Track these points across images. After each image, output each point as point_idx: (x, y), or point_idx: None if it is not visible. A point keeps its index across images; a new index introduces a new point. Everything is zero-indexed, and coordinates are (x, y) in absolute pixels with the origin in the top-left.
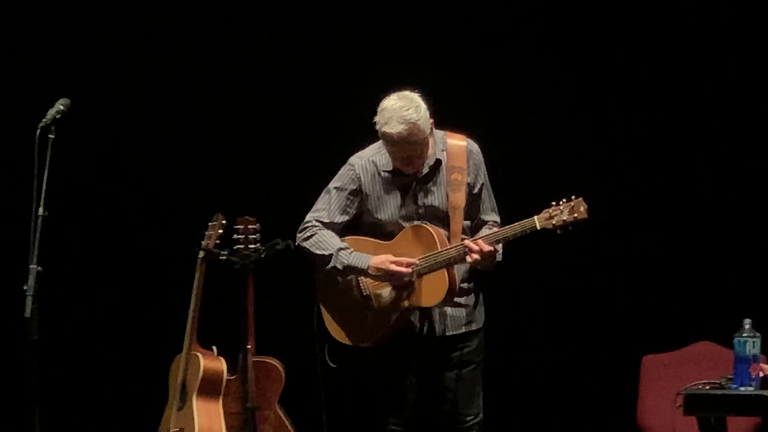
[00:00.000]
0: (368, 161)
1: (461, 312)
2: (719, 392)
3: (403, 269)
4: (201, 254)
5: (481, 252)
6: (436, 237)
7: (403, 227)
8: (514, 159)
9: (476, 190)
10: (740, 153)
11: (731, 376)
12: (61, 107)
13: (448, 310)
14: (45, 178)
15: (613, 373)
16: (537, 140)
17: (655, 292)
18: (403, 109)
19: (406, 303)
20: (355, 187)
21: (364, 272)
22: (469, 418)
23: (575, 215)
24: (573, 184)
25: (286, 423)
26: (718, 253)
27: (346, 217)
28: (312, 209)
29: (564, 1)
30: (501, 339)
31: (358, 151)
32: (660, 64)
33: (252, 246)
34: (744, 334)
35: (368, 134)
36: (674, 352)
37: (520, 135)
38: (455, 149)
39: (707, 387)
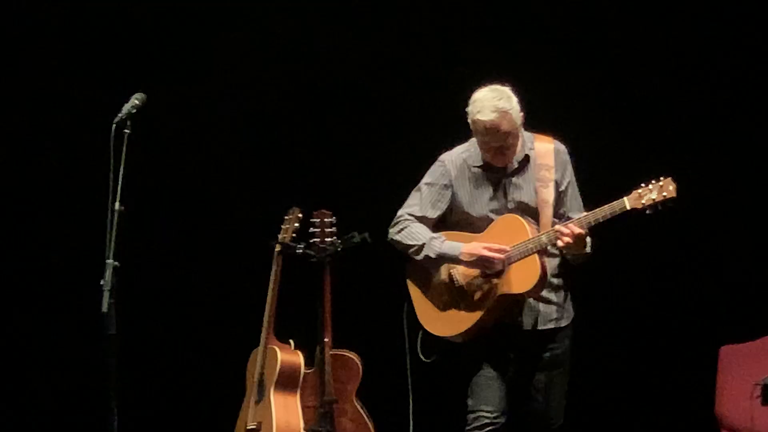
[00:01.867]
0: (458, 157)
1: (551, 308)
2: None
3: (496, 254)
4: (277, 248)
5: (572, 235)
6: (526, 226)
7: (493, 221)
8: (603, 159)
9: (563, 188)
10: None
11: None
12: (137, 102)
13: (540, 305)
14: (121, 173)
15: (692, 363)
16: (622, 137)
17: (734, 281)
18: (495, 98)
19: (498, 291)
20: (446, 182)
21: (456, 259)
22: (554, 422)
23: (664, 194)
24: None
25: (364, 416)
26: None
27: (437, 212)
28: (403, 206)
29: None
30: (585, 331)
31: (436, 148)
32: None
33: (328, 239)
34: None
35: (448, 134)
36: (753, 342)
37: (605, 134)
38: (543, 149)
39: None
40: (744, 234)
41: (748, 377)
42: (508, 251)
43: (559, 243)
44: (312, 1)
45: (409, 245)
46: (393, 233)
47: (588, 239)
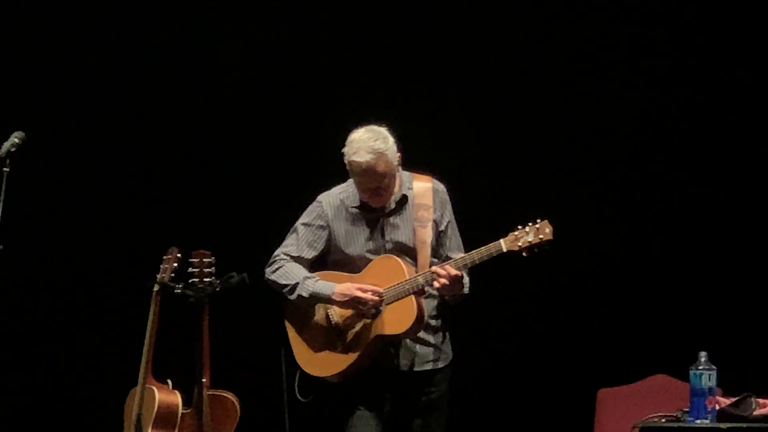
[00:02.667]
0: (336, 197)
1: (428, 350)
2: (675, 425)
3: (369, 296)
4: (156, 287)
5: (448, 276)
6: (403, 266)
7: (371, 262)
8: (479, 196)
9: (442, 227)
10: (696, 189)
11: (687, 409)
12: (16, 140)
13: (416, 347)
14: (0, 211)
15: (570, 406)
16: (499, 174)
17: (611, 324)
18: (371, 139)
19: (374, 332)
20: (322, 223)
21: (329, 299)
22: None
23: (541, 236)
24: (535, 215)
25: None
26: (674, 286)
27: (314, 252)
28: (281, 246)
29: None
30: (464, 373)
31: (314, 188)
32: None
33: (207, 279)
34: (700, 367)
35: (327, 174)
36: (630, 385)
37: (481, 171)
38: (421, 188)
39: (663, 420)
40: (621, 276)
41: (626, 420)
42: (381, 292)
43: (435, 284)
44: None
45: (283, 284)
46: (269, 273)
47: (465, 279)
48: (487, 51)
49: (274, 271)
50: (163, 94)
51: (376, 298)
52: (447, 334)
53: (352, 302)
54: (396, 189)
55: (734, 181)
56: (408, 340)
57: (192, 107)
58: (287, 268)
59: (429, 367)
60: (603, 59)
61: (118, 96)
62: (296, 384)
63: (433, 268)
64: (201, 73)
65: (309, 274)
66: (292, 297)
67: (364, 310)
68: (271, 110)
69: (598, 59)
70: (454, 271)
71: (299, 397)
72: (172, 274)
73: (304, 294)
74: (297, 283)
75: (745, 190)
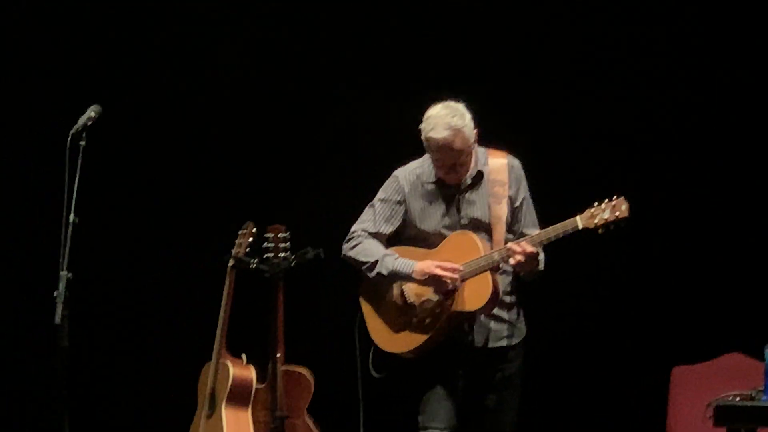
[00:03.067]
0: (412, 173)
1: (502, 326)
2: (750, 404)
3: (449, 273)
4: (231, 262)
5: (524, 253)
6: (479, 243)
7: (446, 238)
8: (555, 172)
9: (517, 204)
10: None
11: (762, 388)
12: (93, 114)
13: (491, 323)
14: (76, 185)
15: (644, 384)
16: (578, 153)
17: (687, 302)
18: (448, 116)
19: (450, 309)
20: (399, 198)
21: (409, 277)
22: None
23: (617, 214)
24: (612, 192)
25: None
26: (750, 264)
27: (391, 228)
28: (357, 222)
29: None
30: (537, 350)
31: (390, 164)
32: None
33: (282, 254)
34: None
35: (403, 150)
36: (705, 363)
37: (561, 149)
38: (496, 164)
39: (738, 399)
40: (700, 254)
41: (701, 398)
42: (460, 270)
43: (511, 261)
44: (265, 17)
45: (362, 262)
46: (347, 249)
47: (541, 256)
48: (563, 23)
49: (353, 248)
50: (239, 67)
51: (456, 275)
52: (521, 310)
53: (432, 280)
54: (472, 165)
55: None
56: (482, 317)
57: (267, 81)
58: (366, 245)
59: (503, 343)
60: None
61: (193, 68)
62: (370, 360)
63: (509, 244)
64: (280, 43)
65: (388, 252)
66: (372, 274)
67: (443, 287)
68: (348, 84)
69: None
70: (530, 248)
71: (373, 373)
72: (247, 249)
73: (384, 272)
74: (377, 261)
75: None
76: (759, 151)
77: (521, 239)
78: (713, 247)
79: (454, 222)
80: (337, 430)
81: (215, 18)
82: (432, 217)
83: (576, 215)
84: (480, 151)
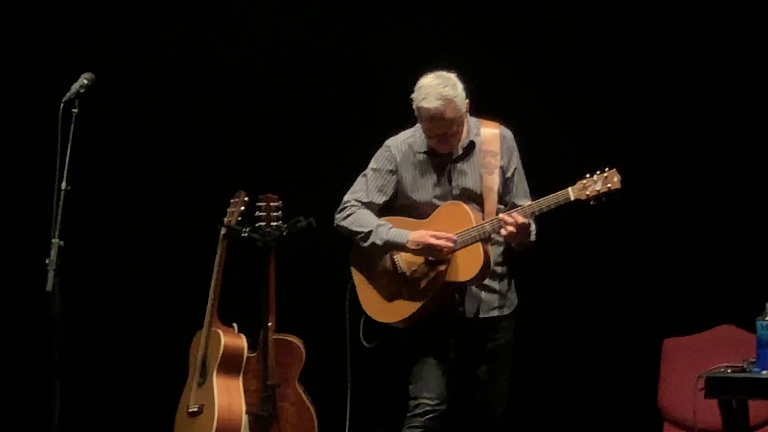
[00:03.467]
0: (403, 142)
1: (493, 297)
2: (741, 375)
3: (444, 243)
4: (223, 231)
5: (515, 224)
6: (471, 213)
7: (437, 208)
8: (547, 143)
9: (509, 174)
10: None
11: (753, 360)
12: (85, 81)
13: (482, 294)
14: (68, 152)
15: (635, 356)
16: (570, 125)
17: (678, 275)
18: (440, 86)
19: (441, 279)
20: (391, 168)
21: (403, 247)
22: (497, 411)
23: (609, 185)
24: (604, 164)
25: (306, 400)
26: (741, 236)
27: (383, 197)
28: (349, 191)
29: None
30: (528, 320)
31: (382, 133)
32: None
33: (274, 223)
34: (767, 318)
35: (395, 120)
36: (696, 335)
37: (553, 121)
38: (488, 135)
39: (729, 370)
40: (691, 227)
41: (692, 370)
42: (455, 239)
43: (503, 232)
44: None
45: (356, 231)
46: (339, 219)
47: (532, 227)
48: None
49: (346, 218)
50: (232, 35)
51: (450, 244)
52: (512, 281)
53: (426, 249)
54: (464, 135)
55: None
56: (473, 287)
57: (260, 50)
58: (359, 215)
59: (494, 314)
60: None
61: (187, 35)
62: (361, 330)
63: (501, 215)
64: (272, 16)
65: (382, 222)
66: (365, 244)
67: (437, 257)
68: (338, 54)
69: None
70: (521, 219)
71: (364, 343)
72: (239, 218)
73: (378, 242)
74: (371, 231)
75: None
76: (753, 122)
77: (513, 210)
78: (706, 219)
79: (446, 192)
80: (328, 399)
81: None
82: (423, 187)
83: (568, 187)
84: (472, 122)
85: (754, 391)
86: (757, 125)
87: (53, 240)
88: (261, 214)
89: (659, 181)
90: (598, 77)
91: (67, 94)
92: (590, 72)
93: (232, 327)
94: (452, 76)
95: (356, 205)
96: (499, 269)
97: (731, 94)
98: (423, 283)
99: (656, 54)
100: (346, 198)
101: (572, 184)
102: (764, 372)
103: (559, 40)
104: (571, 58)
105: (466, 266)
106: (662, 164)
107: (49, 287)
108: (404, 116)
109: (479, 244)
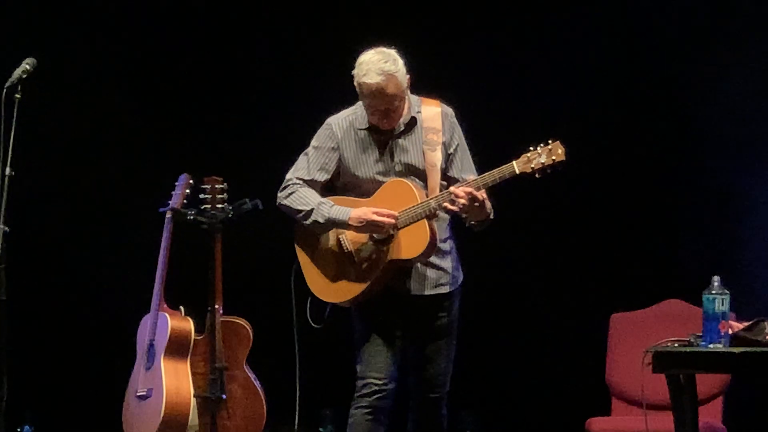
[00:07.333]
0: (345, 120)
1: (439, 273)
2: (688, 350)
3: (386, 219)
4: (168, 214)
5: (467, 196)
6: (415, 190)
7: (381, 184)
8: (489, 119)
9: (451, 150)
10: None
11: (700, 334)
12: (27, 67)
13: (427, 271)
14: (12, 138)
15: (582, 331)
16: (511, 100)
17: (625, 249)
18: (381, 61)
19: (387, 257)
20: (332, 145)
21: (345, 224)
22: (441, 389)
23: (553, 157)
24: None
25: (254, 383)
26: (686, 210)
27: (325, 175)
28: (291, 169)
29: None
30: (474, 298)
31: (323, 112)
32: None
33: (219, 206)
34: (713, 292)
35: (335, 98)
36: (643, 310)
37: (493, 97)
38: (430, 112)
39: (676, 345)
40: (637, 200)
41: (639, 345)
42: (397, 215)
43: (454, 207)
44: None
45: (297, 210)
46: (282, 198)
47: (488, 204)
48: None
49: (288, 197)
50: (176, 19)
51: (392, 221)
52: (458, 257)
53: (369, 226)
54: (405, 111)
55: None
56: (419, 265)
57: (203, 31)
58: (301, 193)
59: (441, 290)
60: None
61: (127, 19)
62: (308, 309)
63: (451, 188)
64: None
65: (323, 200)
66: (307, 223)
67: (379, 234)
68: (278, 34)
69: None
70: (476, 192)
71: (312, 323)
72: (185, 201)
73: (320, 219)
74: (312, 209)
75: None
76: (695, 93)
77: (459, 185)
78: (653, 192)
79: (388, 168)
80: (277, 380)
81: None
82: (365, 164)
83: (512, 160)
84: (413, 99)
85: (701, 365)
86: (699, 95)
87: None
88: (206, 196)
89: (604, 153)
90: (539, 50)
91: (10, 79)
92: (530, 45)
93: (179, 310)
94: (392, 52)
95: (298, 183)
96: (444, 246)
97: (669, 61)
98: (369, 262)
99: (596, 26)
100: (288, 176)
101: (516, 157)
102: (711, 346)
103: (499, 13)
104: (510, 31)
105: (411, 244)
106: (608, 134)
107: None
108: (346, 94)
109: (424, 221)
